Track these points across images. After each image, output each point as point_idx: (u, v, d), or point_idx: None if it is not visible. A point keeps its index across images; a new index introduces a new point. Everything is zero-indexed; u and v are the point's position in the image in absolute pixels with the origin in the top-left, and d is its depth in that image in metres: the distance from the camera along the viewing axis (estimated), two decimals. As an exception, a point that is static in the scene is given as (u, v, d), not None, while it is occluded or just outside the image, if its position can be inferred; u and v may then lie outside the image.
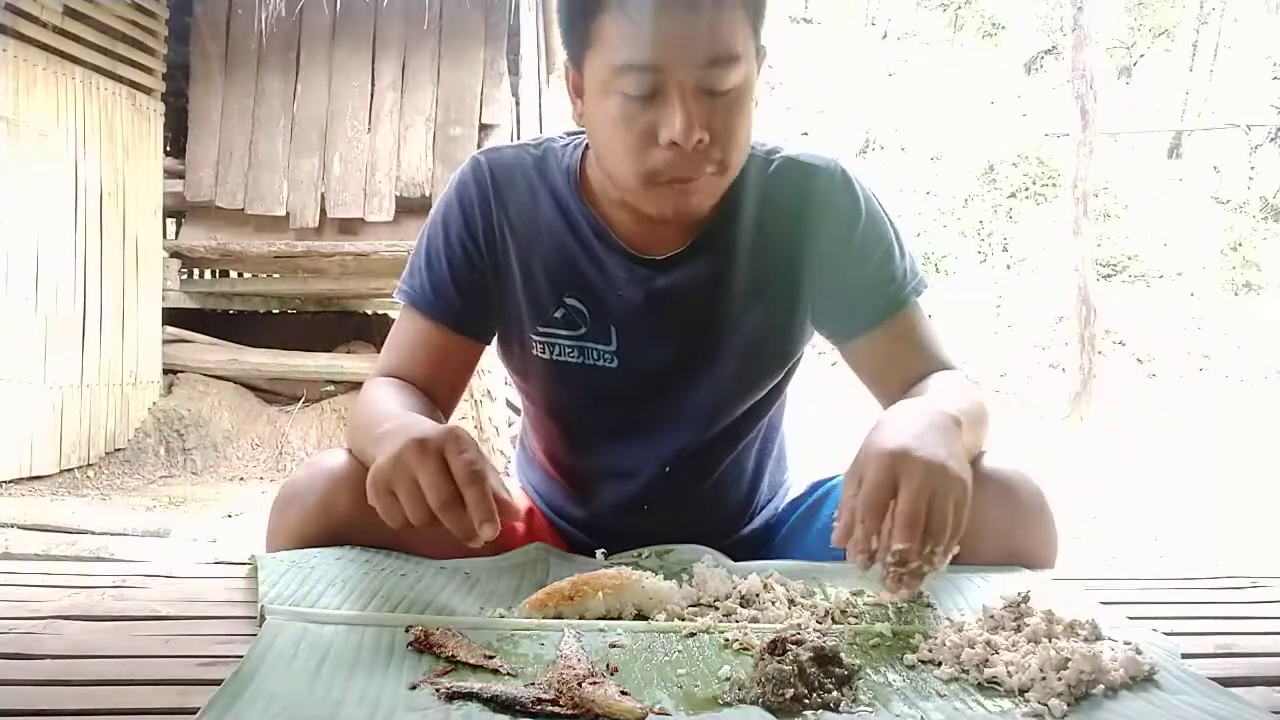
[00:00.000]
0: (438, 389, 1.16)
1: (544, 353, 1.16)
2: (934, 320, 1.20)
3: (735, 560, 1.12)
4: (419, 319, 1.16)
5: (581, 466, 1.24)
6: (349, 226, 5.61)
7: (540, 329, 1.15)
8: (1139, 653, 0.77)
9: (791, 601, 0.92)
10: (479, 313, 1.17)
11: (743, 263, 1.13)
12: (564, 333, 1.15)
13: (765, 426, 1.26)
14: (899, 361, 1.13)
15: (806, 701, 0.70)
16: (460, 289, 1.15)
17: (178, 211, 5.89)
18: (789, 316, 1.17)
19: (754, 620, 0.88)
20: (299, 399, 5.71)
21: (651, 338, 1.14)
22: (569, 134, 1.21)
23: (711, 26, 0.96)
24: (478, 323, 1.18)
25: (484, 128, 5.56)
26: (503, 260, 1.16)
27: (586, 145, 1.15)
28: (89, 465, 5.12)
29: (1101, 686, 0.73)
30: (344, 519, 1.00)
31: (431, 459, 0.86)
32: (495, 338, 1.22)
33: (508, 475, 1.43)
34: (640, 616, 0.88)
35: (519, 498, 1.28)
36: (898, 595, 0.84)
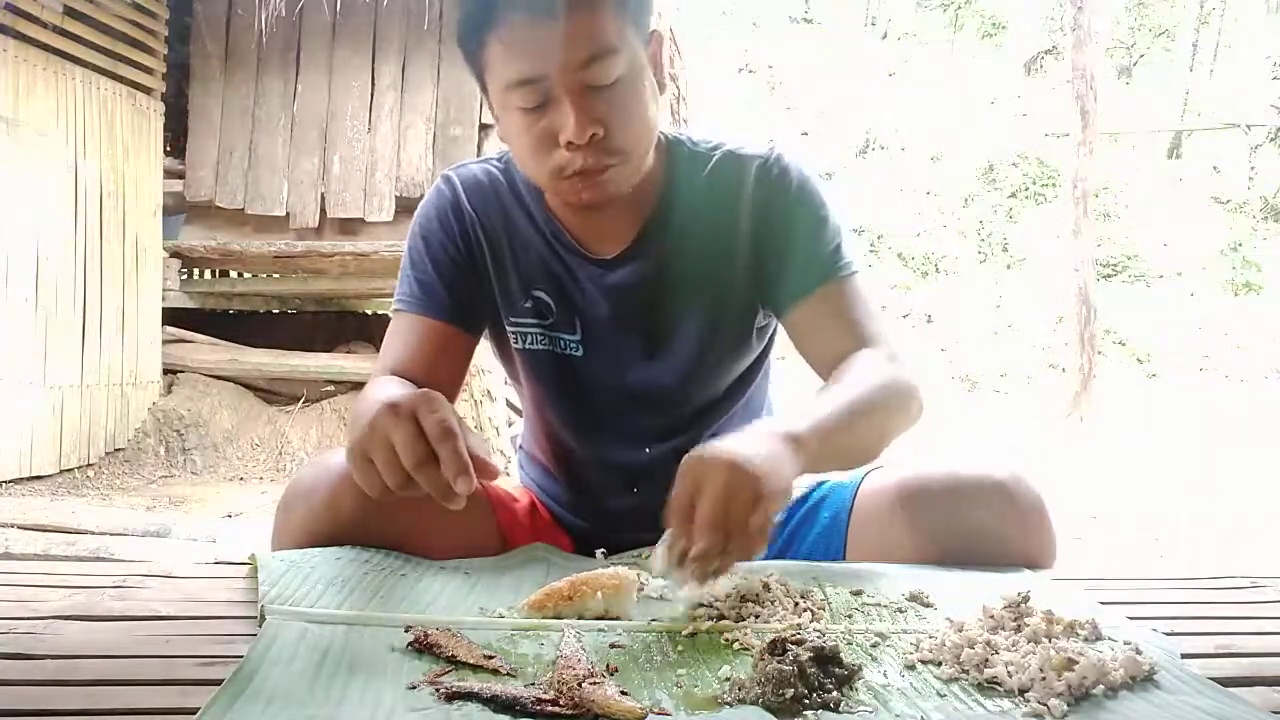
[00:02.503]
0: (435, 383, 1.17)
1: (518, 343, 1.23)
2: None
3: None
4: (410, 317, 1.22)
5: (571, 453, 1.29)
6: (349, 226, 5.61)
7: (513, 319, 1.23)
8: (1139, 653, 0.77)
9: (793, 602, 0.92)
10: (465, 304, 1.22)
11: (687, 252, 1.19)
12: (533, 322, 1.22)
13: (746, 404, 1.30)
14: (826, 332, 1.16)
15: (806, 701, 0.70)
16: (445, 282, 1.21)
17: (178, 211, 5.89)
18: (739, 297, 1.21)
19: (754, 620, 0.88)
20: (299, 399, 5.71)
21: (611, 328, 1.20)
22: None
23: (580, 29, 1.02)
24: (465, 314, 1.23)
25: (484, 128, 5.56)
26: (479, 257, 1.23)
27: None
28: (89, 465, 5.12)
29: (1101, 686, 0.73)
30: (349, 518, 1.01)
31: (405, 421, 0.87)
32: (485, 333, 1.28)
33: (507, 475, 1.45)
34: (614, 616, 0.88)
35: (520, 493, 1.30)
36: (701, 589, 0.87)
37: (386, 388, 1.11)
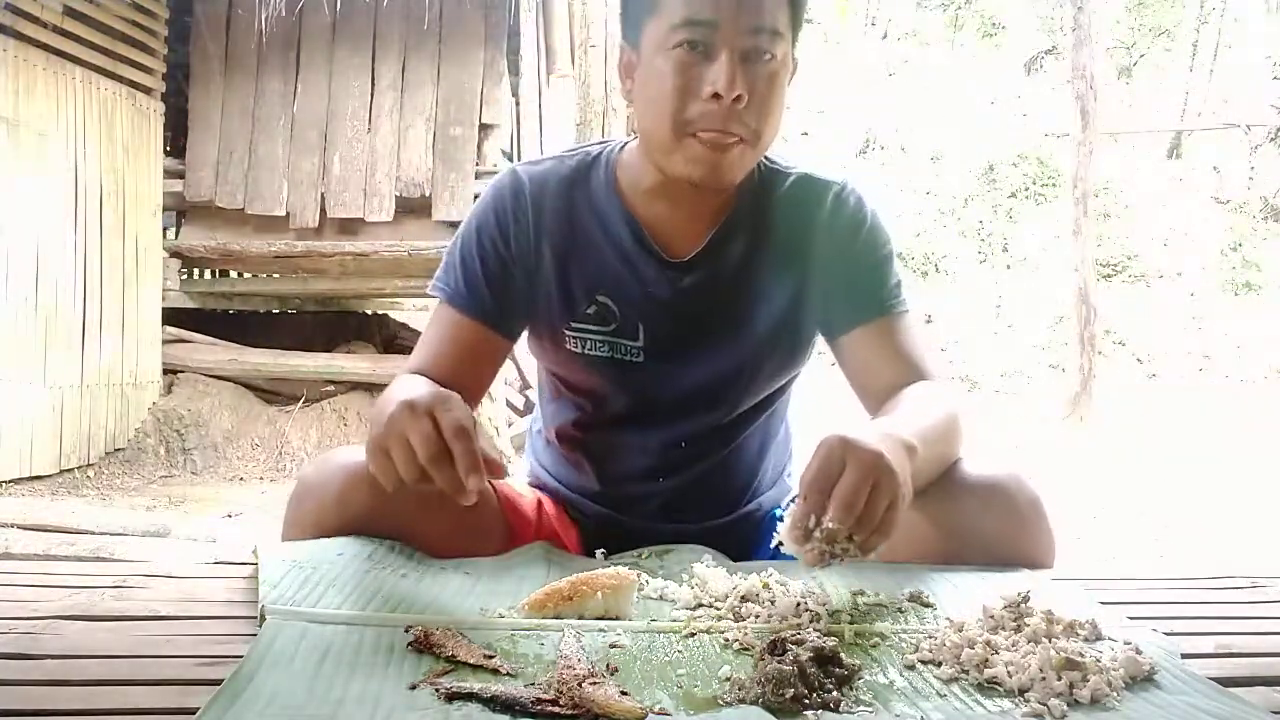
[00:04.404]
0: (462, 381, 1.19)
1: (576, 347, 1.23)
2: (926, 331, 1.25)
3: (737, 539, 1.20)
4: (452, 314, 1.23)
5: (601, 441, 1.30)
6: (349, 226, 5.61)
7: (573, 324, 1.22)
8: (1139, 653, 0.77)
9: (794, 602, 0.92)
10: (509, 310, 1.23)
11: (760, 261, 1.22)
12: (595, 328, 1.22)
13: (774, 411, 1.33)
14: (882, 363, 1.20)
15: (806, 701, 0.70)
16: (492, 287, 1.22)
17: (178, 211, 5.89)
18: (800, 313, 1.24)
19: (754, 620, 0.88)
20: (299, 399, 5.71)
21: (677, 333, 1.21)
22: (600, 142, 1.29)
23: (761, 1, 1.08)
24: (507, 320, 1.23)
25: (484, 128, 5.56)
26: (535, 261, 1.22)
27: (621, 147, 1.25)
28: (89, 465, 5.12)
29: (1101, 687, 0.73)
30: (359, 513, 1.03)
31: (422, 418, 0.91)
32: (525, 333, 1.28)
33: (509, 461, 1.46)
34: (614, 616, 0.88)
35: (528, 494, 1.30)
36: (812, 566, 0.88)
37: (411, 386, 1.12)
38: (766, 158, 1.24)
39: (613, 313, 1.21)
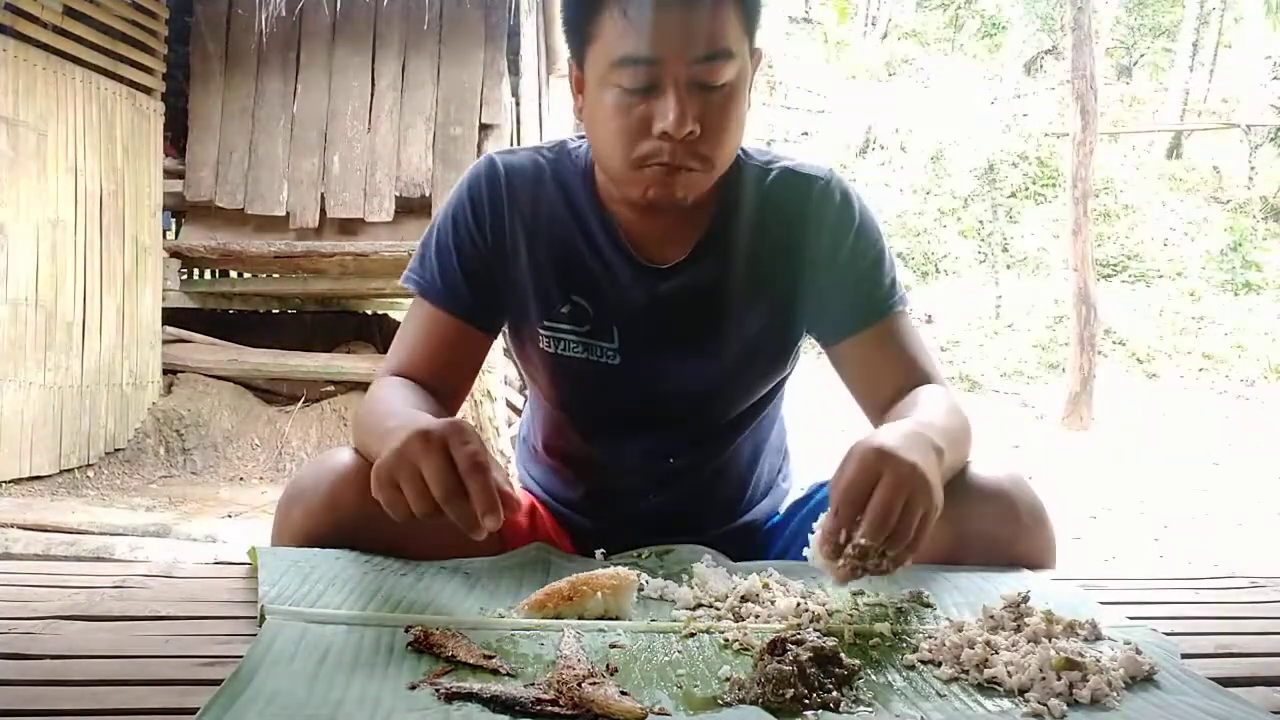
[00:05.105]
0: (445, 380, 1.17)
1: (550, 346, 1.19)
2: (922, 331, 1.22)
3: (734, 551, 1.15)
4: (428, 308, 1.18)
5: (586, 454, 1.27)
6: (349, 226, 5.61)
7: (547, 323, 1.18)
8: (1139, 653, 0.77)
9: (794, 602, 0.92)
10: (486, 304, 1.19)
11: (742, 269, 1.17)
12: (569, 328, 1.18)
13: (763, 419, 1.29)
14: (884, 368, 1.16)
15: (806, 701, 0.70)
16: (468, 279, 1.17)
17: (178, 211, 5.89)
18: (786, 319, 1.20)
19: (754, 620, 0.88)
20: (299, 399, 5.71)
21: (653, 338, 1.17)
22: (580, 137, 1.23)
23: (705, 23, 1.00)
24: (484, 313, 1.19)
25: (484, 128, 5.56)
26: (511, 254, 1.18)
27: None
28: (89, 465, 5.12)
29: (1101, 687, 0.73)
30: (349, 517, 1.01)
31: (435, 450, 0.86)
32: (505, 330, 1.24)
33: (508, 461, 1.45)
34: (614, 616, 0.88)
35: (521, 498, 1.29)
36: (842, 584, 0.86)
37: (398, 394, 1.09)
38: (743, 151, 1.19)
39: (587, 312, 1.17)
